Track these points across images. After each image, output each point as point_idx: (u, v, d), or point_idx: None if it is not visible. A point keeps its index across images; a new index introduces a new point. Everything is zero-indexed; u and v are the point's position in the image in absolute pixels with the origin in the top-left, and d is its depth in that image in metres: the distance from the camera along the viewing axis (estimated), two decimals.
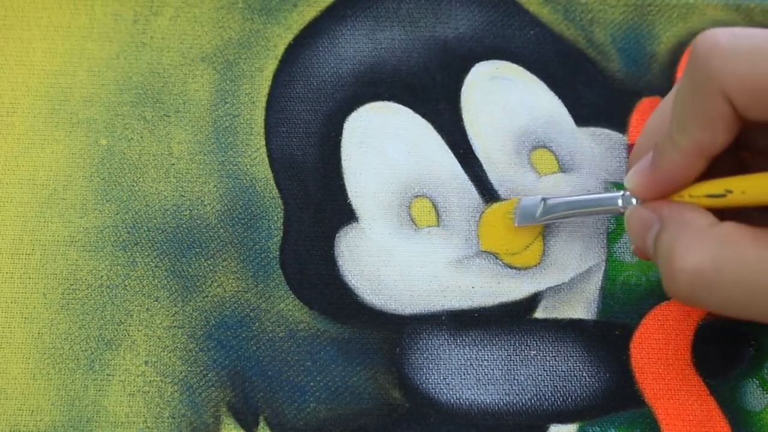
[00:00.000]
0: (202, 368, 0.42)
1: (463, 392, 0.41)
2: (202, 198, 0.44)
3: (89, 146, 0.44)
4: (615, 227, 0.43)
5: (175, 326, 0.42)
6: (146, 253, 0.43)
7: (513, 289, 0.43)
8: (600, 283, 0.43)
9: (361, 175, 0.44)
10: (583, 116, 0.45)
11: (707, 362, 0.42)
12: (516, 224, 0.43)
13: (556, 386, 0.41)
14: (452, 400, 0.41)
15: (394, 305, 0.42)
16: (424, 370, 0.42)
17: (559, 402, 0.41)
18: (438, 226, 0.44)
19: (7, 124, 0.45)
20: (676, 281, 0.35)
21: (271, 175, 0.44)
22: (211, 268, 0.43)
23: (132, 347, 0.42)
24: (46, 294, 0.42)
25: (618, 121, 0.45)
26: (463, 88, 0.45)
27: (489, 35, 0.46)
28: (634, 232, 0.38)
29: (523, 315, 0.42)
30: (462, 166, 0.44)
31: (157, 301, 0.42)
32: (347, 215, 0.44)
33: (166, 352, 0.42)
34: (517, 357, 0.42)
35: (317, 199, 0.44)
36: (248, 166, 0.44)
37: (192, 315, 0.42)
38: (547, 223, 0.43)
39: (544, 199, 0.42)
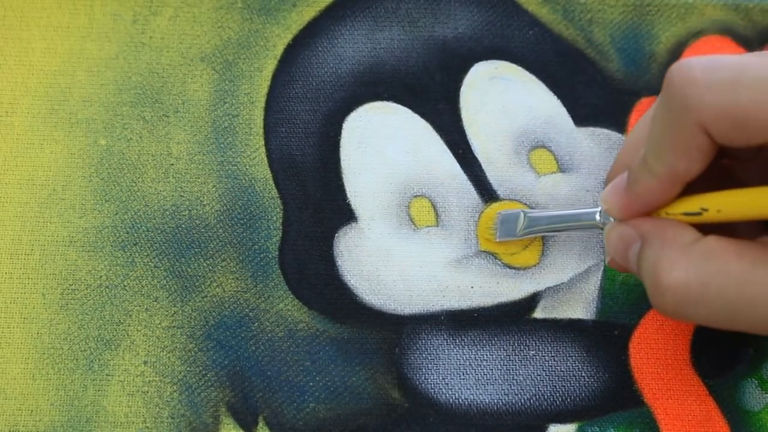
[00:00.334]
0: (201, 368, 0.42)
1: (462, 392, 0.41)
2: (201, 198, 0.44)
3: (88, 146, 0.44)
4: None
5: (174, 326, 0.42)
6: (145, 253, 0.43)
7: (512, 289, 0.43)
8: (599, 283, 0.43)
9: (361, 175, 0.44)
10: (582, 116, 0.45)
11: (706, 362, 0.42)
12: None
13: (555, 386, 0.41)
14: (451, 400, 0.41)
15: (394, 305, 0.43)
16: (424, 370, 0.42)
17: (558, 402, 0.41)
18: (437, 226, 0.44)
19: (6, 124, 0.45)
20: (663, 298, 0.35)
21: (271, 175, 0.44)
22: (210, 268, 0.43)
23: (131, 347, 0.42)
24: (45, 294, 0.42)
25: (617, 121, 0.45)
26: (462, 88, 0.45)
27: (488, 35, 0.46)
28: (614, 249, 0.38)
29: (522, 315, 0.42)
30: (461, 166, 0.44)
31: (156, 301, 0.42)
32: (346, 215, 0.44)
33: (165, 352, 0.42)
34: (517, 357, 0.42)
35: (316, 199, 0.44)
36: (247, 166, 0.44)
37: (191, 315, 0.42)
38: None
39: (524, 214, 0.42)
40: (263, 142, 0.45)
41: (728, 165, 0.38)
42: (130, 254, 0.43)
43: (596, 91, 0.45)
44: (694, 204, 0.36)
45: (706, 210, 0.35)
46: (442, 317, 0.42)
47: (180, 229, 0.43)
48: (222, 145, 0.45)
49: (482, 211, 0.44)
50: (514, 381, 0.42)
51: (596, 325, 0.42)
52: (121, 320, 0.42)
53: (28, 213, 0.43)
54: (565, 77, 0.46)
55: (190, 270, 0.43)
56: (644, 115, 0.40)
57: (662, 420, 0.41)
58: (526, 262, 0.43)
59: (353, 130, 0.45)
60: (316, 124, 0.45)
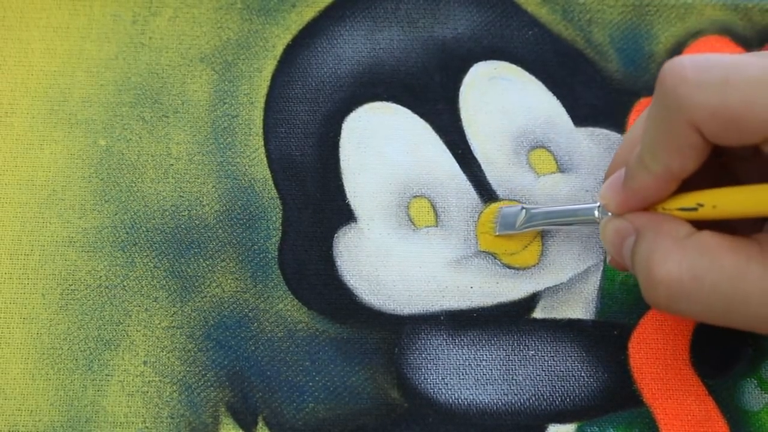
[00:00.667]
0: (200, 368, 0.42)
1: (461, 392, 0.41)
2: (200, 198, 0.44)
3: (88, 147, 0.44)
4: None
5: (173, 326, 0.42)
6: (145, 254, 0.43)
7: (511, 289, 0.43)
8: (598, 283, 0.43)
9: (360, 176, 0.44)
10: (581, 116, 0.45)
11: (706, 362, 0.42)
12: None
13: (555, 386, 0.41)
14: (451, 400, 0.41)
15: (393, 305, 0.43)
16: (423, 370, 0.42)
17: (557, 402, 0.41)
18: (436, 226, 0.44)
19: (5, 124, 0.45)
20: (655, 291, 0.35)
21: (270, 175, 0.44)
22: (210, 268, 0.43)
23: (131, 347, 0.42)
24: (45, 294, 0.42)
25: (616, 122, 0.45)
26: (462, 89, 0.45)
27: (487, 35, 0.46)
28: (609, 243, 0.38)
29: (522, 315, 0.42)
30: (460, 167, 0.44)
31: (155, 301, 0.42)
32: (346, 215, 0.44)
33: (164, 353, 0.42)
34: (516, 357, 0.42)
35: (316, 199, 0.44)
36: (247, 167, 0.44)
37: (191, 315, 0.42)
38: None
39: (524, 209, 0.42)
40: (263, 143, 0.45)
41: (727, 165, 0.38)
42: (130, 254, 0.43)
43: (595, 92, 0.45)
44: (690, 200, 0.36)
45: (701, 205, 0.35)
46: (442, 317, 0.42)
47: (179, 229, 0.43)
48: (221, 146, 0.45)
49: (482, 211, 0.44)
50: (514, 381, 0.42)
51: (596, 325, 0.42)
52: (121, 320, 0.42)
53: (28, 213, 0.43)
54: (565, 77, 0.46)
55: (189, 270, 0.43)
56: (642, 113, 0.40)
57: (662, 420, 0.41)
58: (525, 262, 0.43)
59: (353, 130, 0.45)
60: (316, 125, 0.45)
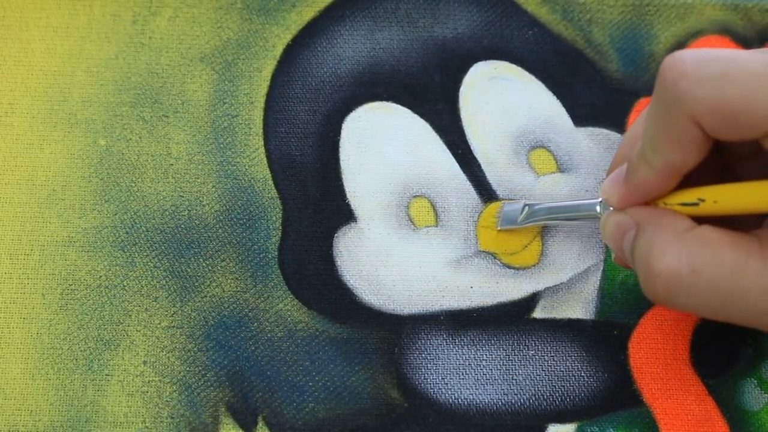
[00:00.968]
0: (200, 368, 0.42)
1: (461, 392, 0.41)
2: (200, 198, 0.44)
3: (88, 146, 0.44)
4: None
5: (173, 326, 0.42)
6: (145, 254, 0.43)
7: (511, 289, 0.43)
8: (598, 282, 0.43)
9: (360, 175, 0.44)
10: (581, 116, 0.45)
11: (705, 362, 0.42)
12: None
13: (555, 386, 0.41)
14: (451, 400, 0.41)
15: (393, 305, 0.43)
16: (423, 370, 0.42)
17: (557, 402, 0.41)
18: (436, 226, 0.44)
19: (5, 124, 0.45)
20: (653, 284, 0.35)
21: (270, 175, 0.44)
22: (210, 268, 0.43)
23: (131, 347, 0.42)
24: (45, 294, 0.42)
25: (616, 121, 0.45)
26: (462, 88, 0.45)
27: (487, 35, 0.46)
28: (609, 237, 0.38)
29: (522, 315, 0.42)
30: (460, 166, 0.44)
31: (155, 301, 0.42)
32: (346, 215, 0.44)
33: (164, 352, 0.42)
34: (516, 357, 0.42)
35: (316, 199, 0.44)
36: (247, 167, 0.44)
37: (191, 315, 0.42)
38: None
39: (526, 205, 0.42)
40: (263, 143, 0.45)
41: (729, 163, 0.38)
42: (130, 254, 0.43)
43: (595, 91, 0.45)
44: (691, 195, 0.36)
45: (703, 200, 0.35)
46: (442, 317, 0.42)
47: (179, 229, 0.43)
48: (221, 146, 0.45)
49: (481, 211, 0.44)
50: (514, 381, 0.42)
51: (595, 325, 0.42)
52: (121, 320, 0.42)
53: (28, 213, 0.43)
54: (565, 77, 0.46)
55: (189, 270, 0.43)
56: (644, 110, 0.40)
57: (661, 420, 0.41)
58: (525, 262, 0.43)
59: (352, 130, 0.45)
60: (316, 125, 0.45)
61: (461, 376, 0.42)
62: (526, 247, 0.43)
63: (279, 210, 0.44)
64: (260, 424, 0.41)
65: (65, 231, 0.43)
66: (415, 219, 0.44)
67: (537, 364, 0.42)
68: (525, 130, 0.45)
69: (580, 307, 0.43)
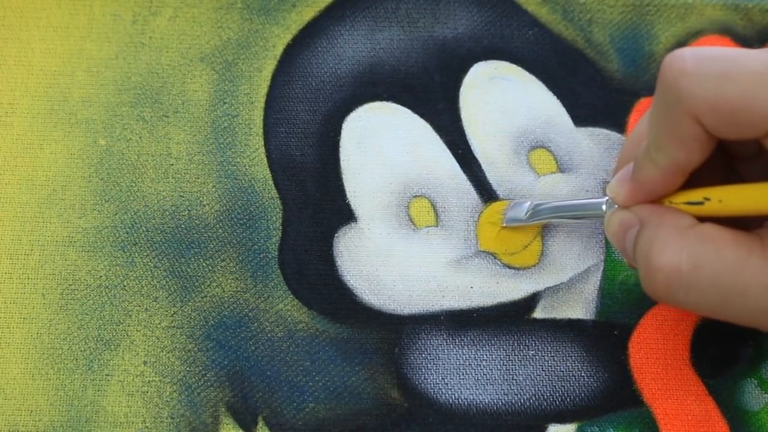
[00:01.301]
0: (200, 368, 0.42)
1: (461, 392, 0.41)
2: (200, 198, 0.44)
3: (88, 146, 0.44)
4: None
5: (173, 326, 0.42)
6: (145, 254, 0.43)
7: (512, 289, 0.43)
8: (598, 283, 0.43)
9: (360, 175, 0.44)
10: (581, 116, 0.45)
11: (706, 362, 0.42)
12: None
13: (555, 386, 0.41)
14: (451, 400, 0.41)
15: (393, 305, 0.43)
16: (423, 370, 0.42)
17: (557, 402, 0.41)
18: (437, 226, 0.44)
19: (5, 124, 0.45)
20: (653, 280, 0.35)
21: (270, 175, 0.44)
22: (210, 268, 0.43)
23: (131, 347, 0.42)
24: (45, 294, 0.42)
25: (616, 121, 0.45)
26: (462, 88, 0.45)
27: (488, 35, 0.46)
28: (612, 234, 0.38)
29: (522, 315, 0.42)
30: (461, 166, 0.44)
31: (155, 301, 0.42)
32: (346, 215, 0.44)
33: (164, 352, 0.42)
34: (516, 357, 0.42)
35: (316, 199, 0.44)
36: (247, 167, 0.44)
37: (191, 315, 0.42)
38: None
39: (533, 203, 0.42)
40: (263, 143, 0.45)
41: (733, 164, 0.38)
42: (130, 254, 0.43)
43: (596, 91, 0.45)
44: (697, 194, 0.36)
45: (708, 199, 0.35)
46: (442, 317, 0.42)
47: (179, 229, 0.43)
48: (221, 146, 0.45)
49: (482, 211, 0.44)
50: (514, 381, 0.42)
51: (596, 325, 0.42)
52: (121, 320, 0.42)
53: (28, 213, 0.43)
54: (565, 77, 0.46)
55: (189, 270, 0.43)
56: (648, 108, 0.40)
57: (662, 420, 0.41)
58: (525, 262, 0.43)
59: (353, 130, 0.45)
60: (316, 125, 0.45)
61: (461, 376, 0.42)
62: (527, 247, 0.43)
63: (279, 210, 0.44)
64: (260, 424, 0.41)
65: (65, 231, 0.43)
66: (416, 219, 0.44)
67: (537, 364, 0.42)
68: (525, 130, 0.45)
69: (580, 307, 0.43)
